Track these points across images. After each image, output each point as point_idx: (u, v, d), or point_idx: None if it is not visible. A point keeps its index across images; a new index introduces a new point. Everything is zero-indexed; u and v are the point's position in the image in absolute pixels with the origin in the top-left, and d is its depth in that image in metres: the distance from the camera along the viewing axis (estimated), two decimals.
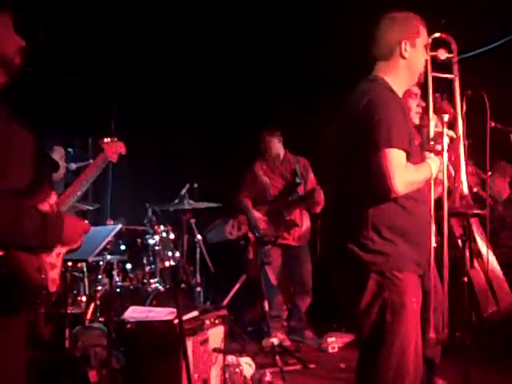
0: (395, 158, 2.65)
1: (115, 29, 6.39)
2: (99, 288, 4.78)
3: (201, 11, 6.25)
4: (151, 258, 5.43)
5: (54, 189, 2.63)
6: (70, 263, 4.71)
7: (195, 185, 5.98)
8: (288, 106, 6.89)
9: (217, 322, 4.16)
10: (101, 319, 4.60)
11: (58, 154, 5.73)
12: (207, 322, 4.05)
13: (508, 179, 6.18)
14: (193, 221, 6.06)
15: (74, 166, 5.71)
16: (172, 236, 5.62)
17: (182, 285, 5.68)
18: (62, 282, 4.58)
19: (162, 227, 5.55)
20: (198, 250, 6.10)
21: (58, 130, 6.95)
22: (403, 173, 2.67)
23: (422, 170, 2.82)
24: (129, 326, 3.90)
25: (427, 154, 2.92)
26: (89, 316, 4.68)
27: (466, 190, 2.98)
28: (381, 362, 2.73)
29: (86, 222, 2.74)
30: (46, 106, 6.54)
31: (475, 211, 3.05)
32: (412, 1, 5.54)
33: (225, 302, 5.48)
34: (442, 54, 2.99)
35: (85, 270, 4.93)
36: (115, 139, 3.16)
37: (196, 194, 5.99)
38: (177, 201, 5.85)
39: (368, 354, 2.81)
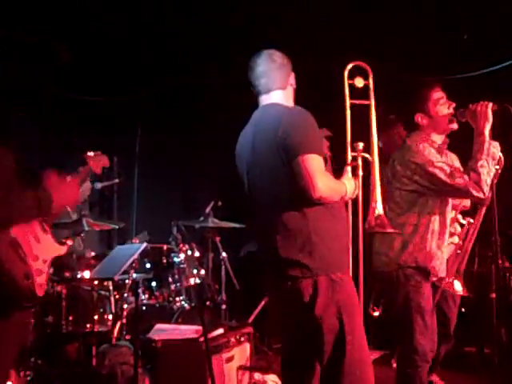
0: (315, 161, 2.77)
1: (139, 48, 6.46)
2: (125, 306, 4.80)
3: (222, 29, 6.28)
4: (176, 276, 5.44)
5: None
6: (96, 282, 4.76)
7: (219, 203, 6.00)
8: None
9: (242, 339, 4.16)
10: (127, 337, 4.62)
11: None
12: (233, 339, 4.06)
13: None
14: (218, 239, 6.08)
15: (99, 185, 5.72)
16: (197, 254, 5.64)
17: (208, 302, 5.68)
18: (89, 301, 4.66)
19: (186, 245, 5.56)
20: (223, 267, 6.11)
21: (83, 150, 7.01)
22: (324, 176, 2.78)
23: (339, 183, 2.93)
24: (155, 343, 3.91)
25: (347, 171, 3.02)
26: (115, 334, 4.70)
27: (380, 210, 3.08)
28: (345, 370, 2.73)
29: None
30: (72, 126, 6.62)
31: (389, 230, 3.15)
32: (436, 18, 5.59)
33: (250, 320, 5.47)
34: (360, 82, 3.20)
35: (111, 288, 4.95)
36: (99, 153, 3.35)
37: (220, 212, 6.01)
38: (201, 218, 5.87)
39: (331, 368, 2.78)
